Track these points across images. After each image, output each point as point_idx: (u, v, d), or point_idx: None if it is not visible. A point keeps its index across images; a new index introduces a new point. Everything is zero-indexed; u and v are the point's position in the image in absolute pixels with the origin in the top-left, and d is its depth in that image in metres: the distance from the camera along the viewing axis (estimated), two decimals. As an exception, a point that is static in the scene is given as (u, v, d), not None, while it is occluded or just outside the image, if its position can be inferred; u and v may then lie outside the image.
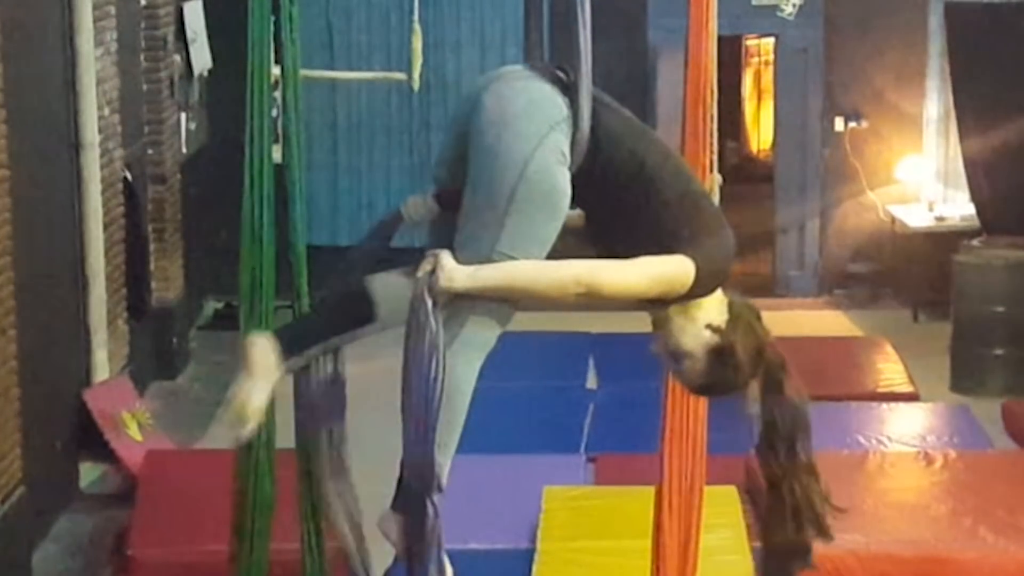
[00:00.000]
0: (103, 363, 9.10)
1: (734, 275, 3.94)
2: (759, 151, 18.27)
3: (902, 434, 8.95)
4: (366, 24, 12.80)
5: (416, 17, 10.00)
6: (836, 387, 9.60)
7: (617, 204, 3.80)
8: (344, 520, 4.51)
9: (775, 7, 12.85)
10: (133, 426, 8.91)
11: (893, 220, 13.02)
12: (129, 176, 9.85)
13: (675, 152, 4.00)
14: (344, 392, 4.36)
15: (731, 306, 3.86)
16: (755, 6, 12.92)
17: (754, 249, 13.58)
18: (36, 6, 8.39)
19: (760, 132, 18.36)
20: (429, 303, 3.66)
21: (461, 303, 3.71)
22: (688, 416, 5.43)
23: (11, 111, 7.55)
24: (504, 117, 3.71)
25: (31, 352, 7.75)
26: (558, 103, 3.76)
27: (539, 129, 3.71)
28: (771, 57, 15.20)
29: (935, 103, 13.06)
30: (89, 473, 8.69)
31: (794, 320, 11.74)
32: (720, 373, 3.85)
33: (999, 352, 10.78)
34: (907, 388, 9.97)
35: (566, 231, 3.82)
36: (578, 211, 3.88)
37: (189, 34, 11.47)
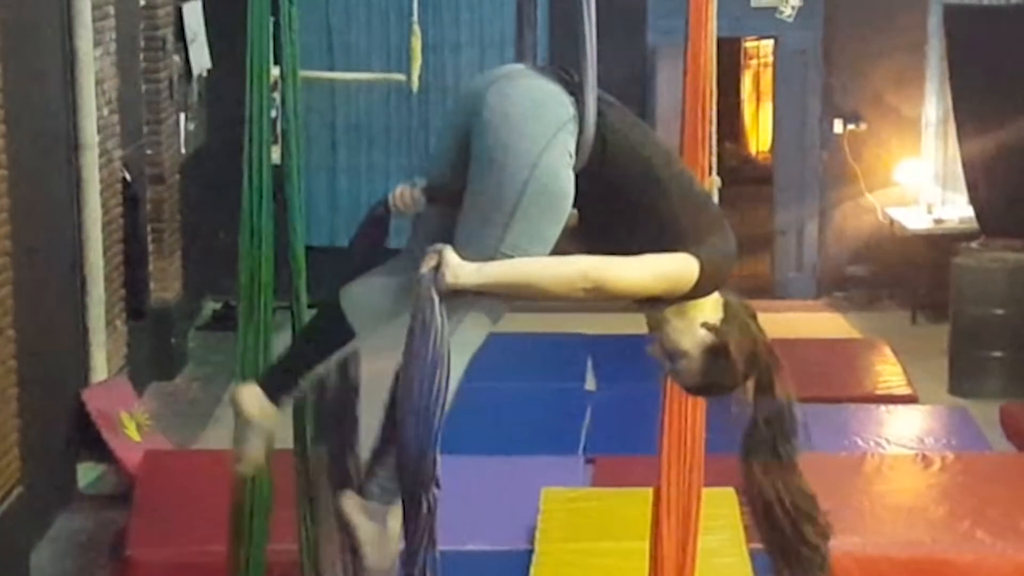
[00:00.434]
0: (101, 363, 9.10)
1: (732, 277, 3.94)
2: (758, 153, 18.28)
3: (900, 436, 8.96)
4: (365, 25, 12.80)
5: (415, 18, 9.99)
6: (834, 389, 9.61)
7: (620, 204, 3.79)
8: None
9: (774, 9, 12.85)
10: (131, 426, 8.91)
11: (892, 222, 13.02)
12: (128, 176, 9.85)
13: (676, 153, 4.00)
14: (356, 406, 4.35)
15: (726, 305, 3.87)
16: (754, 8, 12.92)
17: (753, 251, 13.58)
18: (35, 6, 8.39)
19: (759, 134, 18.37)
20: (436, 299, 3.64)
21: (459, 300, 3.70)
22: (686, 418, 5.44)
23: (10, 111, 7.55)
24: (510, 117, 3.70)
25: (29, 352, 7.75)
26: (564, 103, 3.75)
27: (547, 130, 3.70)
28: (770, 59, 15.21)
29: (934, 106, 13.06)
30: (87, 473, 8.69)
31: (792, 322, 11.74)
32: (715, 372, 3.85)
33: (997, 354, 10.78)
34: (905, 390, 9.97)
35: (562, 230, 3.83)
36: (572, 210, 3.87)
37: (188, 34, 11.47)
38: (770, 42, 14.56)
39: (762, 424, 3.86)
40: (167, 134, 10.88)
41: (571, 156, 3.73)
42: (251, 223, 5.34)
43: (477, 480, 7.43)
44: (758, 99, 18.38)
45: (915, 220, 12.80)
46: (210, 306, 12.51)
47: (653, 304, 3.83)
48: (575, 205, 3.78)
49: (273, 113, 5.42)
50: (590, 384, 10.24)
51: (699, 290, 3.78)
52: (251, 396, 4.18)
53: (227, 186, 6.82)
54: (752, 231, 13.14)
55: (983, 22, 12.04)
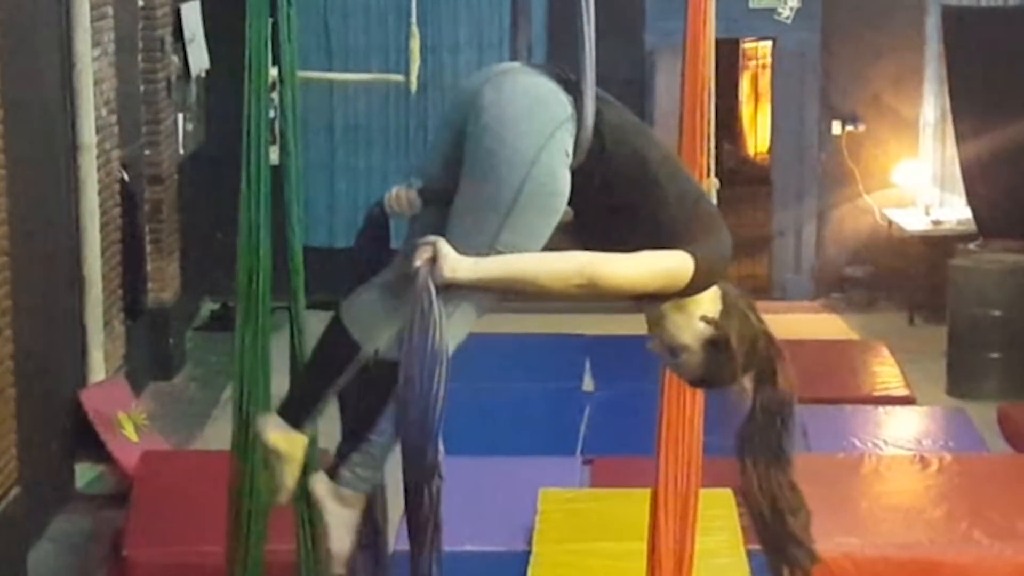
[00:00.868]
0: (99, 363, 9.09)
1: (730, 278, 3.95)
2: (756, 154, 18.28)
3: (898, 437, 8.96)
4: (364, 26, 12.80)
5: (414, 19, 9.99)
6: (832, 390, 9.61)
7: (616, 202, 3.80)
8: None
9: (772, 10, 12.87)
10: (129, 427, 8.91)
11: (890, 224, 13.03)
12: (126, 177, 9.85)
13: (673, 151, 4.01)
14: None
15: (725, 297, 3.87)
16: (753, 9, 12.93)
17: (750, 252, 13.59)
18: (33, 7, 8.39)
19: (757, 135, 18.37)
20: (434, 292, 3.64)
21: (451, 293, 3.70)
22: (684, 419, 5.44)
23: (8, 112, 7.55)
24: (507, 115, 3.70)
25: (27, 352, 7.74)
26: (562, 101, 3.75)
27: (544, 128, 3.70)
28: (768, 60, 15.22)
29: (932, 107, 13.07)
30: (85, 473, 8.69)
31: (790, 323, 11.74)
32: (717, 365, 3.85)
33: (995, 356, 10.79)
34: (903, 391, 9.98)
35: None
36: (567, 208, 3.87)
37: (187, 35, 11.47)
38: (768, 43, 14.57)
39: (760, 414, 3.86)
40: (165, 134, 10.88)
41: (568, 155, 3.73)
42: (249, 223, 5.34)
43: (475, 481, 7.43)
44: (756, 100, 18.38)
45: (913, 221, 12.80)
46: (208, 306, 12.51)
47: (650, 301, 3.83)
48: (571, 203, 3.78)
49: (271, 114, 5.42)
50: (588, 385, 10.24)
51: (694, 287, 3.78)
52: (275, 427, 4.14)
53: (225, 186, 6.83)
54: (750, 232, 13.16)
55: (981, 23, 12.04)
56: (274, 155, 5.37)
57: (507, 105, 3.71)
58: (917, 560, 6.98)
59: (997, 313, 10.79)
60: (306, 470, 4.34)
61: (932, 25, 12.84)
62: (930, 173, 13.10)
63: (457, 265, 3.65)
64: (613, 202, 3.80)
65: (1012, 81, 11.57)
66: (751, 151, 18.57)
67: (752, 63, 18.36)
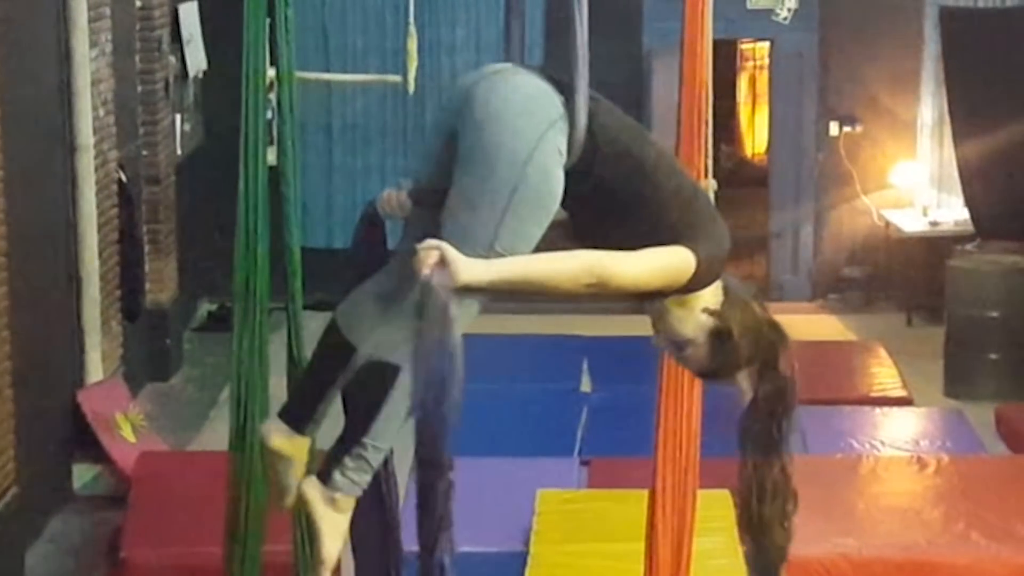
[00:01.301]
0: (97, 364, 9.09)
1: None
2: (754, 155, 18.28)
3: (895, 438, 8.97)
4: (361, 26, 12.80)
5: (411, 19, 10.00)
6: (830, 391, 9.61)
7: (611, 202, 3.80)
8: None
9: (770, 11, 12.86)
10: (127, 427, 8.91)
11: (887, 225, 13.03)
12: (124, 177, 9.84)
13: (667, 149, 4.01)
14: None
15: (726, 289, 3.89)
16: (750, 10, 12.93)
17: (748, 253, 13.60)
18: (31, 7, 8.38)
19: (755, 136, 18.37)
20: (446, 297, 3.58)
21: (455, 297, 3.69)
22: (681, 420, 5.44)
23: (6, 112, 7.55)
24: (501, 114, 3.70)
25: (25, 353, 7.74)
26: (554, 101, 3.75)
27: (538, 127, 3.70)
28: (766, 61, 15.21)
29: (929, 108, 13.07)
30: (82, 474, 8.69)
31: (788, 324, 11.65)
32: (722, 355, 3.87)
33: (992, 357, 10.79)
34: (900, 392, 9.98)
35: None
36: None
37: (184, 35, 11.47)
38: (766, 44, 14.56)
39: (763, 402, 3.87)
40: (163, 135, 10.88)
41: (561, 153, 3.74)
42: (247, 224, 5.34)
43: (472, 482, 7.40)
44: (754, 101, 18.37)
45: (910, 222, 12.81)
46: (206, 307, 12.51)
47: (652, 297, 3.84)
48: (565, 203, 3.78)
49: (269, 114, 5.42)
50: (586, 386, 10.24)
51: (696, 283, 3.79)
52: (277, 431, 4.18)
53: (223, 187, 6.81)
54: (748, 233, 13.15)
55: (978, 24, 12.05)
56: (272, 156, 5.37)
57: (500, 105, 3.72)
58: (914, 561, 6.98)
59: (995, 314, 10.80)
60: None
61: (930, 26, 12.84)
62: (927, 174, 13.10)
63: (468, 269, 3.61)
64: (608, 202, 3.80)
65: (1009, 82, 11.57)
66: (749, 152, 18.56)
67: (750, 64, 18.36)
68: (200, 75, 12.06)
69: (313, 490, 3.91)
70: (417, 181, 4.03)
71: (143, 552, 7.11)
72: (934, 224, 12.72)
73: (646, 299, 3.87)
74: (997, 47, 11.74)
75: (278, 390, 5.65)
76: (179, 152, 11.47)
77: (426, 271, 3.58)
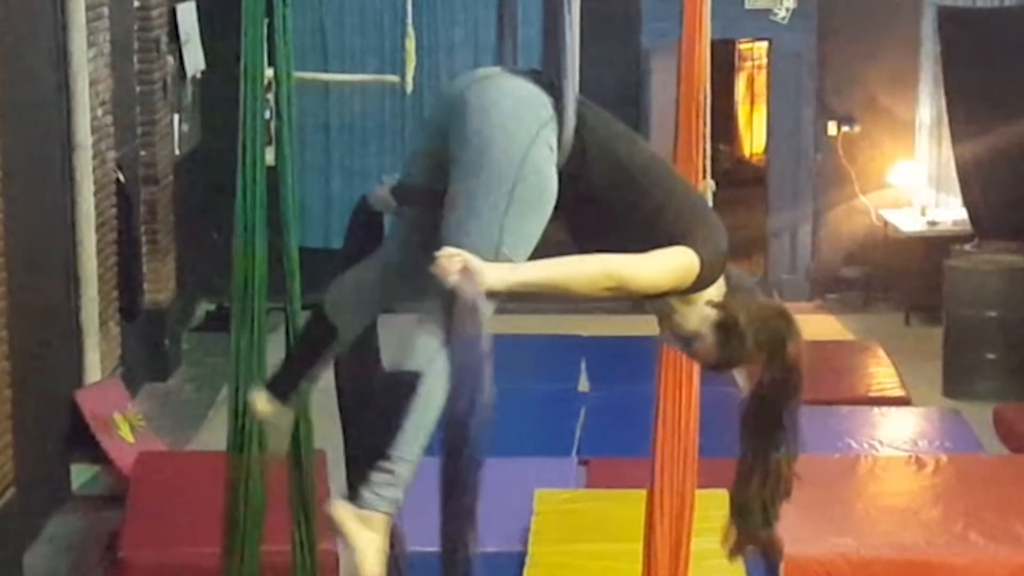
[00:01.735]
0: (95, 364, 9.09)
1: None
2: (752, 155, 18.27)
3: (894, 438, 8.97)
4: (359, 26, 12.79)
5: (409, 20, 10.00)
6: (828, 391, 9.61)
7: (601, 206, 3.82)
8: None
9: (768, 11, 12.86)
10: (125, 427, 8.91)
11: (885, 224, 13.03)
12: (122, 177, 9.84)
13: (658, 153, 4.02)
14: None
15: (728, 279, 3.91)
16: (748, 10, 12.92)
17: (746, 253, 13.60)
18: (29, 7, 8.38)
19: (753, 136, 18.36)
20: (478, 307, 3.61)
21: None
22: (680, 420, 5.44)
23: (4, 112, 7.55)
24: (493, 117, 3.72)
25: (23, 353, 7.74)
26: (544, 102, 3.78)
27: (530, 128, 3.72)
28: (764, 61, 15.19)
29: (928, 108, 13.07)
30: (81, 474, 8.69)
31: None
32: (730, 346, 3.88)
33: (991, 357, 10.79)
34: (899, 392, 9.98)
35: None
36: None
37: (182, 35, 11.46)
38: (764, 44, 14.55)
39: (768, 386, 3.88)
40: (161, 135, 10.87)
41: (553, 151, 3.75)
42: (245, 224, 5.34)
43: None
44: (752, 101, 18.37)
45: (909, 222, 12.81)
46: (204, 307, 12.50)
47: (656, 297, 3.86)
48: (557, 208, 3.79)
49: (267, 114, 5.42)
50: (584, 386, 10.24)
51: (701, 282, 3.82)
52: (264, 400, 4.42)
53: (221, 187, 6.82)
54: (746, 233, 13.14)
55: (976, 24, 12.06)
56: (270, 156, 5.38)
57: (491, 107, 3.74)
58: (913, 561, 6.98)
59: (993, 314, 10.80)
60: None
61: (928, 26, 12.84)
62: (926, 174, 13.10)
63: (492, 274, 3.64)
64: (598, 207, 3.83)
65: (1008, 82, 11.58)
66: (747, 152, 18.56)
67: (748, 64, 18.35)
68: (198, 75, 12.06)
69: (344, 511, 3.75)
70: (402, 179, 4.08)
71: (141, 552, 7.11)
72: (932, 224, 12.71)
73: (648, 298, 3.89)
74: (995, 47, 11.75)
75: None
76: (177, 152, 11.47)
77: (452, 278, 3.61)
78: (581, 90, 3.87)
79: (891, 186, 13.15)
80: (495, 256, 3.68)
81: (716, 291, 3.88)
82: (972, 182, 11.96)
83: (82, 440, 8.68)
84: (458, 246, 3.67)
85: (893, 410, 9.61)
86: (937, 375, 10.93)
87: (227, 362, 5.56)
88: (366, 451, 3.78)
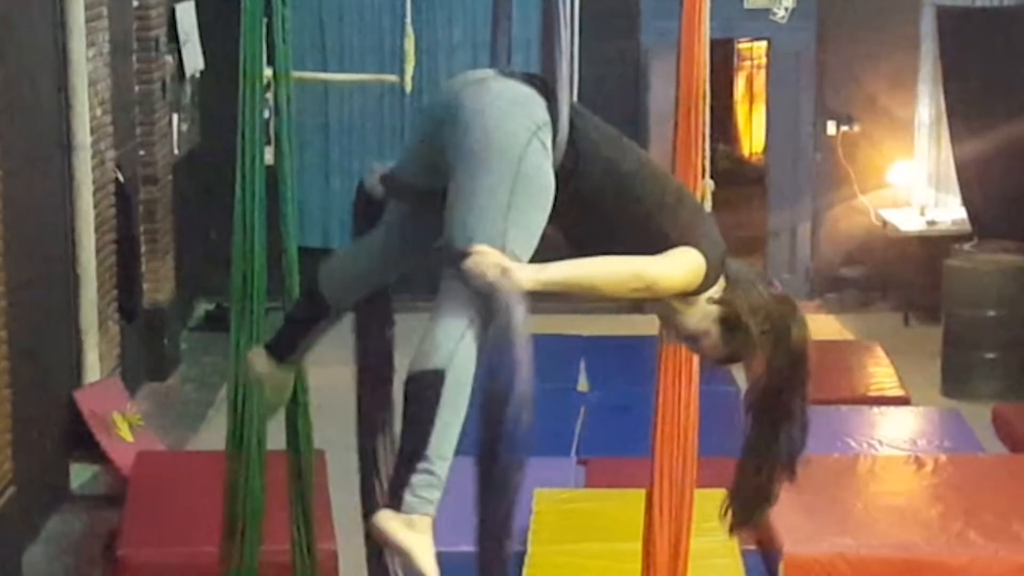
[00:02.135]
0: (94, 364, 9.09)
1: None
2: (751, 154, 18.27)
3: (893, 438, 8.96)
4: (358, 26, 12.79)
5: (408, 19, 10.00)
6: (827, 391, 9.60)
7: (595, 211, 3.86)
8: None
9: (768, 11, 12.85)
10: (124, 427, 8.91)
11: (885, 224, 13.03)
12: (121, 177, 9.84)
13: (649, 156, 4.03)
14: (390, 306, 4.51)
15: (727, 272, 3.93)
16: (748, 9, 12.92)
17: (745, 252, 13.57)
18: (27, 6, 8.38)
19: (752, 135, 18.36)
20: (512, 302, 3.61)
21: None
22: (679, 419, 5.44)
23: (2, 111, 7.55)
24: (489, 118, 3.74)
25: (22, 353, 7.74)
26: (539, 103, 3.80)
27: (528, 127, 3.74)
28: (763, 61, 15.20)
29: (927, 107, 13.07)
30: (80, 474, 8.68)
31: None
32: (736, 340, 3.90)
33: (990, 356, 10.79)
34: (898, 392, 9.98)
35: None
36: None
37: (181, 35, 11.46)
38: (763, 44, 14.55)
39: (773, 373, 3.90)
40: (160, 135, 10.87)
41: (548, 150, 3.77)
42: (244, 224, 5.35)
43: (469, 481, 7.42)
44: (751, 101, 18.37)
45: (908, 222, 12.81)
46: (203, 307, 12.50)
47: (659, 298, 3.89)
48: (552, 213, 3.81)
49: (266, 114, 5.43)
50: (583, 385, 10.24)
51: (707, 283, 3.86)
52: (261, 361, 4.59)
53: (220, 187, 6.82)
54: (745, 233, 13.15)
55: (976, 24, 12.05)
56: (269, 155, 5.38)
57: (487, 108, 3.76)
58: (912, 560, 6.98)
59: (992, 313, 10.80)
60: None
61: (927, 25, 12.84)
62: (925, 173, 13.10)
63: (521, 274, 3.66)
64: (591, 212, 3.86)
65: (1007, 81, 11.58)
66: (746, 151, 18.56)
67: (747, 63, 18.35)
68: (197, 75, 12.06)
69: (389, 521, 3.73)
70: (392, 172, 4.13)
71: (140, 551, 7.10)
72: (931, 223, 12.71)
73: (653, 301, 3.92)
74: (995, 46, 11.75)
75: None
76: (176, 152, 11.47)
77: (491, 276, 3.62)
78: (580, 89, 3.90)
79: (890, 186, 13.15)
80: (501, 253, 3.69)
81: (716, 287, 3.91)
82: (971, 182, 11.96)
83: (81, 439, 8.67)
84: (462, 246, 3.68)
85: (892, 409, 9.61)
86: (936, 374, 10.93)
87: (226, 362, 5.58)
88: (402, 456, 3.77)
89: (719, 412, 8.43)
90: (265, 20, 5.28)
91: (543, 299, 3.76)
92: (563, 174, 3.80)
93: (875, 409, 9.54)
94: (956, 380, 10.82)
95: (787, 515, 6.69)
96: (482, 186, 3.70)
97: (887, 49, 13.02)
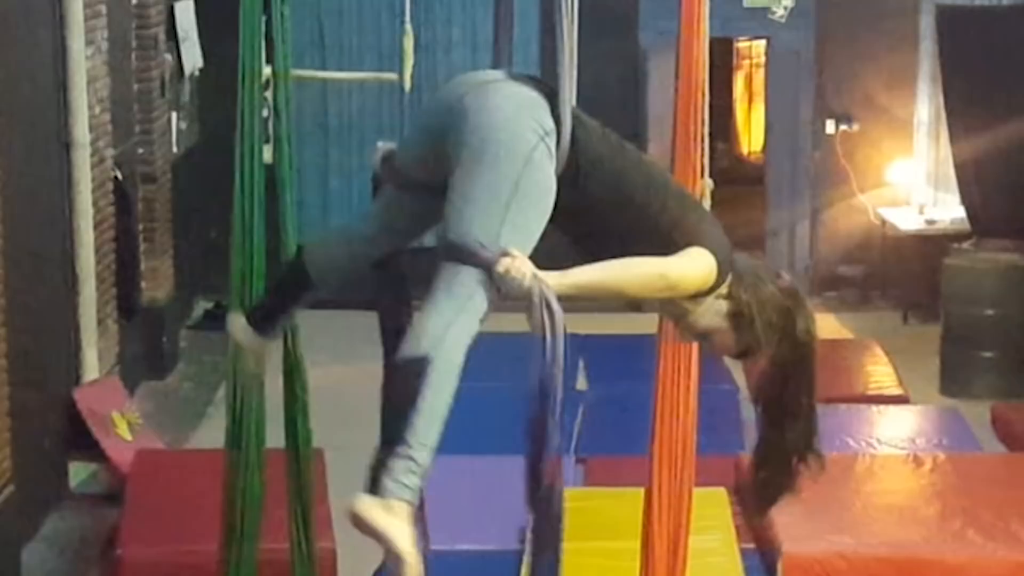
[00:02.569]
0: (93, 362, 9.09)
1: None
2: (750, 153, 18.28)
3: (892, 437, 8.96)
4: (357, 24, 12.80)
5: (407, 18, 9.99)
6: (826, 389, 9.47)
7: (597, 216, 3.89)
8: None
9: (767, 9, 12.86)
10: (123, 425, 8.91)
11: (883, 223, 13.04)
12: (120, 175, 9.84)
13: (647, 157, 4.04)
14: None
15: (734, 267, 3.94)
16: (747, 8, 12.93)
17: (744, 251, 13.53)
18: (27, 4, 8.38)
19: (751, 134, 18.37)
20: (552, 302, 3.69)
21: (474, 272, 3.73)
22: (677, 418, 5.44)
23: (1, 110, 7.54)
24: (498, 118, 3.75)
25: (21, 351, 7.74)
26: (547, 110, 3.82)
27: (536, 130, 3.77)
28: (762, 59, 15.21)
29: (926, 106, 13.07)
30: (79, 472, 8.68)
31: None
32: (747, 335, 3.92)
33: (989, 355, 10.80)
34: (897, 391, 9.98)
35: None
36: None
37: (180, 33, 11.46)
38: (762, 43, 14.57)
39: (778, 364, 3.93)
40: (159, 133, 10.87)
41: (552, 159, 3.79)
42: (243, 222, 5.34)
43: (468, 480, 7.43)
44: (750, 100, 18.38)
45: (907, 221, 12.81)
46: (202, 305, 12.50)
47: (669, 299, 3.92)
48: (553, 219, 3.82)
49: (265, 112, 5.42)
50: (581, 384, 10.23)
51: (718, 282, 3.88)
52: (242, 328, 4.66)
53: (219, 185, 6.81)
54: (743, 231, 13.11)
55: (975, 23, 12.05)
56: (268, 154, 5.38)
57: (496, 109, 3.77)
58: (911, 559, 6.98)
59: (991, 312, 10.80)
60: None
61: (926, 24, 12.85)
62: (924, 172, 13.11)
63: (550, 279, 3.72)
64: (593, 218, 3.89)
65: (1006, 80, 11.58)
66: (745, 150, 18.57)
67: (746, 62, 18.36)
68: (196, 73, 12.06)
69: (367, 504, 3.66)
70: (390, 158, 4.13)
71: (139, 550, 7.10)
72: (930, 222, 12.72)
73: (662, 304, 3.98)
74: (994, 45, 11.75)
75: (274, 388, 5.66)
76: (175, 150, 11.47)
77: (527, 283, 3.68)
78: (579, 88, 3.90)
79: (889, 184, 13.16)
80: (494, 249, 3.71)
81: (724, 285, 3.93)
82: (970, 181, 11.97)
83: (80, 438, 8.67)
84: (458, 237, 3.70)
85: (891, 408, 9.61)
86: (935, 373, 10.94)
87: (225, 360, 5.57)
88: (383, 442, 3.71)
89: (717, 411, 8.45)
90: (264, 18, 5.28)
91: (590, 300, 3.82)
92: (563, 183, 3.81)
93: (874, 408, 9.53)
94: (955, 379, 10.82)
95: (785, 514, 6.68)
96: (485, 182, 3.72)
97: (886, 48, 13.03)
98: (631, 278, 3.78)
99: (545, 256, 3.79)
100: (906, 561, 6.97)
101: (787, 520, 6.87)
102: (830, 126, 13.19)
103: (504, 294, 3.72)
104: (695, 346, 5.33)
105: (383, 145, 4.24)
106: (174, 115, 11.41)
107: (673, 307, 3.96)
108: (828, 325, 12.53)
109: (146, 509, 7.48)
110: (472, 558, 6.86)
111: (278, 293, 4.65)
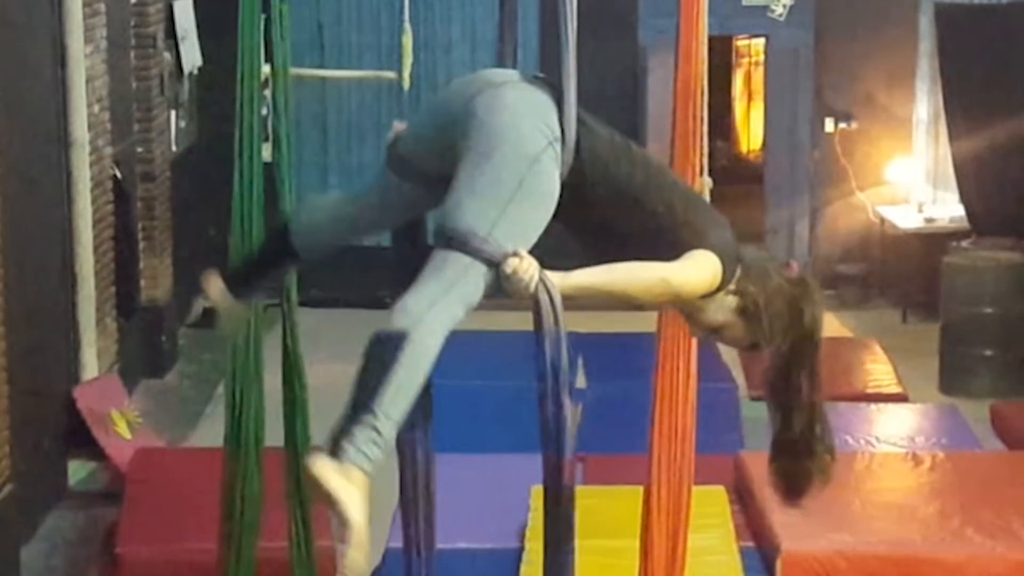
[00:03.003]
0: (92, 361, 9.09)
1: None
2: (749, 151, 18.28)
3: (891, 435, 8.97)
4: (357, 23, 12.80)
5: (407, 16, 9.99)
6: (825, 388, 9.53)
7: (602, 220, 3.90)
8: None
9: (766, 8, 12.86)
10: (122, 424, 8.91)
11: (883, 221, 13.04)
12: (118, 174, 9.84)
13: (653, 159, 4.04)
14: (431, 397, 4.27)
15: (741, 262, 3.95)
16: (746, 6, 12.93)
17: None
18: (26, 3, 8.38)
19: (750, 133, 18.38)
20: (557, 300, 3.73)
21: (472, 263, 3.73)
22: (676, 416, 5.44)
23: (1, 109, 7.54)
24: (507, 118, 3.78)
25: (20, 350, 7.74)
26: (555, 114, 3.84)
27: (545, 133, 3.79)
28: (761, 58, 15.22)
29: (925, 104, 13.07)
30: (78, 471, 8.68)
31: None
32: (757, 328, 3.94)
33: (988, 353, 10.80)
34: (896, 389, 9.99)
35: None
36: None
37: (179, 32, 11.46)
38: (761, 41, 14.57)
39: (784, 352, 3.95)
40: (158, 132, 10.87)
41: (557, 164, 3.81)
42: (242, 221, 5.35)
43: (467, 478, 7.43)
44: (749, 98, 18.38)
45: (906, 219, 12.81)
46: (201, 304, 12.48)
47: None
48: (557, 219, 3.84)
49: (264, 111, 5.43)
50: (580, 382, 10.23)
51: (725, 281, 3.89)
52: (216, 284, 4.70)
53: (218, 184, 6.82)
54: (743, 230, 12.97)
55: (974, 21, 12.06)
56: (267, 152, 5.38)
57: (506, 110, 3.79)
58: (910, 557, 6.98)
59: (990, 310, 10.80)
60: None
61: (925, 23, 12.85)
62: (923, 170, 13.11)
63: (554, 279, 3.75)
64: (598, 221, 3.91)
65: (1005, 78, 11.59)
66: (744, 148, 18.57)
67: (745, 60, 18.36)
68: (195, 71, 12.05)
69: (323, 465, 3.57)
70: (396, 143, 4.15)
71: (138, 548, 7.11)
72: (929, 220, 12.72)
73: (670, 303, 3.99)
74: (993, 43, 11.76)
75: (273, 386, 5.67)
76: (174, 148, 11.46)
77: (534, 283, 3.71)
78: (579, 87, 3.89)
79: (888, 183, 13.16)
80: (487, 240, 3.72)
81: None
82: (969, 179, 11.97)
83: (79, 436, 8.67)
84: (453, 224, 3.71)
85: (890, 407, 9.61)
86: (934, 372, 10.94)
87: (224, 359, 5.57)
88: (351, 408, 3.65)
89: (716, 409, 8.45)
90: (263, 17, 5.28)
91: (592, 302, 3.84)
92: (568, 188, 3.83)
93: (873, 406, 9.54)
94: (954, 377, 10.83)
95: (784, 512, 6.68)
96: (490, 178, 3.73)
97: (885, 46, 13.03)
98: (634, 282, 3.80)
99: (548, 255, 3.80)
100: (905, 559, 6.97)
101: (786, 518, 6.87)
102: (829, 124, 13.19)
103: (509, 293, 3.74)
104: (694, 344, 5.35)
105: (399, 124, 4.26)
106: (173, 114, 11.41)
107: (683, 303, 3.97)
108: (827, 324, 12.41)
109: (145, 507, 7.49)
110: (467, 555, 6.86)
111: (258, 261, 4.72)
